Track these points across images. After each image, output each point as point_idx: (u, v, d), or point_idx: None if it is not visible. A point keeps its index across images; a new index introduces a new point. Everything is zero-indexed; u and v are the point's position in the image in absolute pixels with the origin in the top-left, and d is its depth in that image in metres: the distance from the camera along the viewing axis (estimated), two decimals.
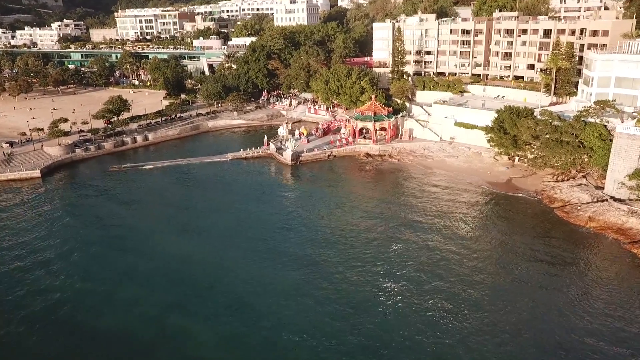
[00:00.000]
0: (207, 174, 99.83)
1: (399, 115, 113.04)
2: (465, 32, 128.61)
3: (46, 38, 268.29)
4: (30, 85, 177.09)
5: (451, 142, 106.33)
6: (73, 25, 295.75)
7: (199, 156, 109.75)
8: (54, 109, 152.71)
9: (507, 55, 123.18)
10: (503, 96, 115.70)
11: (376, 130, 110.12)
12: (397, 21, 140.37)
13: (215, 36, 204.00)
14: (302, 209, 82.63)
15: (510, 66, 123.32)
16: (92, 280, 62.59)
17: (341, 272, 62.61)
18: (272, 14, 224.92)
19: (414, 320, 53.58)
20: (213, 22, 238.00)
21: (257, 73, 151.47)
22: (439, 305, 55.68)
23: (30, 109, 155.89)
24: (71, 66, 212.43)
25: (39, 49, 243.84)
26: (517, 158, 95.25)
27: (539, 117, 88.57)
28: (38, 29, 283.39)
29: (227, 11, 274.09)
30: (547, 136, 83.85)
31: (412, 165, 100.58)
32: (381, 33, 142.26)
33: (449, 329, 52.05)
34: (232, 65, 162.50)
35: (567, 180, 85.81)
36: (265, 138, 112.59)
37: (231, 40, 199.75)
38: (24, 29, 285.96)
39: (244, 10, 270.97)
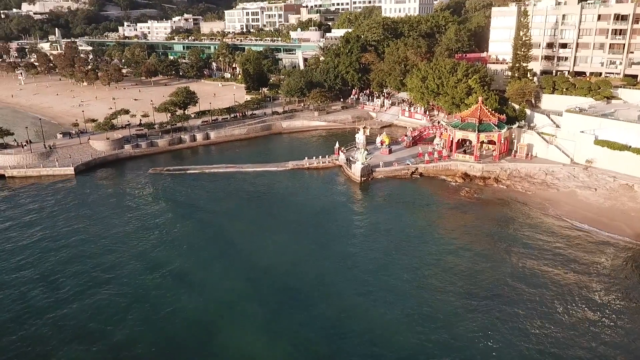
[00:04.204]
0: (257, 187, 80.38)
1: (515, 125, 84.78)
2: (621, 18, 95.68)
3: (161, 31, 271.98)
4: (121, 75, 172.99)
5: (587, 167, 75.82)
6: (192, 20, 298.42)
7: (258, 162, 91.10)
8: (135, 100, 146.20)
9: None
10: None
11: (481, 143, 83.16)
12: (525, 4, 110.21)
13: (314, 28, 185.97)
14: (352, 254, 59.43)
15: None
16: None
17: None
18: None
19: None
20: (318, 14, 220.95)
21: (348, 67, 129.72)
22: None
23: (114, 98, 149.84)
24: (171, 57, 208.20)
25: (147, 40, 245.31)
26: None
27: None
28: (156, 22, 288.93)
29: (337, 4, 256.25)
30: None
31: (526, 196, 72.62)
32: (502, 21, 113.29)
33: None
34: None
35: None
36: (337, 145, 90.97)
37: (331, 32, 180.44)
38: (147, 23, 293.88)
39: (354, 2, 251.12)
